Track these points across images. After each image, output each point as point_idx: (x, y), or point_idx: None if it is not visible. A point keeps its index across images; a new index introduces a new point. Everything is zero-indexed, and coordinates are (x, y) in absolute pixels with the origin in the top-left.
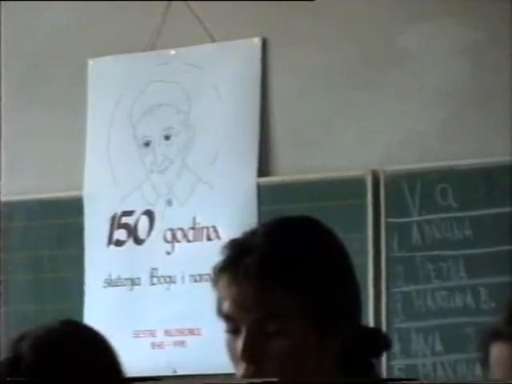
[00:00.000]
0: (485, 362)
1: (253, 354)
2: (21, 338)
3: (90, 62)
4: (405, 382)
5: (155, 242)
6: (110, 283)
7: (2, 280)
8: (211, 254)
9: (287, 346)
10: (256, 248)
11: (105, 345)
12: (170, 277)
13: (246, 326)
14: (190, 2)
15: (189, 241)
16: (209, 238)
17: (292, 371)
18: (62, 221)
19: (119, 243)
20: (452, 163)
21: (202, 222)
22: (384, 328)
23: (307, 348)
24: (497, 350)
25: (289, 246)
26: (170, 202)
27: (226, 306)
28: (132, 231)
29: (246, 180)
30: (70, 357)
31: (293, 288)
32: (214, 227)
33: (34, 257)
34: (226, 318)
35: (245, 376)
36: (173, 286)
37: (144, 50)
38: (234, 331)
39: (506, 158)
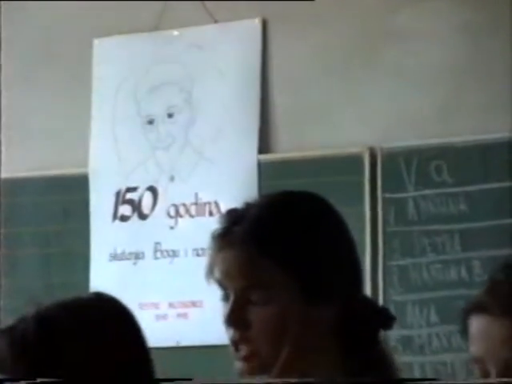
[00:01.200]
0: (464, 334)
1: (237, 322)
2: (55, 307)
3: (96, 42)
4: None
5: (159, 217)
6: (115, 257)
7: (10, 254)
8: (205, 230)
9: (270, 315)
10: (246, 218)
11: (132, 319)
12: (173, 251)
13: (232, 294)
14: None
15: (191, 216)
16: (211, 213)
17: (275, 340)
18: (68, 197)
19: (124, 218)
20: (447, 140)
21: (204, 197)
22: (381, 300)
23: (290, 318)
24: (476, 323)
25: (279, 217)
26: (173, 179)
27: (216, 272)
28: (136, 207)
29: (246, 157)
30: (101, 326)
31: (278, 258)
32: (215, 202)
33: (41, 232)
34: (217, 283)
35: (231, 341)
36: (176, 259)
37: (148, 31)
38: (225, 298)
39: (500, 135)
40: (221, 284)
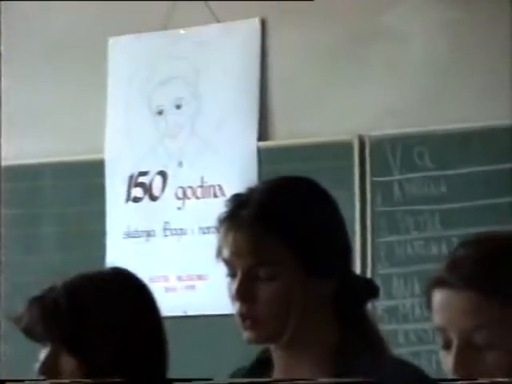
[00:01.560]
0: (428, 306)
1: (245, 296)
2: (80, 279)
3: (110, 40)
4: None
5: (168, 199)
6: (129, 235)
7: (35, 232)
8: (217, 209)
9: (276, 290)
10: (251, 202)
11: (146, 289)
12: (181, 229)
13: (240, 271)
14: None
15: (197, 198)
16: (215, 195)
17: (280, 313)
18: (86, 181)
19: (136, 200)
20: (428, 129)
21: (209, 180)
22: (369, 274)
23: (295, 292)
24: (438, 296)
25: (281, 200)
26: (180, 164)
27: (225, 252)
28: (147, 189)
29: (247, 144)
30: (119, 296)
31: (282, 237)
32: (219, 185)
33: (61, 212)
34: (225, 262)
35: (239, 314)
36: (183, 237)
37: (157, 30)
38: (232, 275)
39: (477, 124)
40: (229, 262)
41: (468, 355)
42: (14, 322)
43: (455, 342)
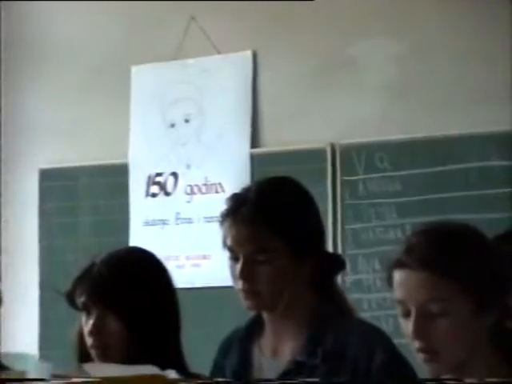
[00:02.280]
0: (389, 283)
1: (246, 276)
2: (104, 257)
3: (133, 68)
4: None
5: (179, 194)
6: (148, 223)
7: (72, 221)
8: (218, 203)
9: (271, 272)
10: (249, 201)
11: (163, 264)
12: (189, 218)
13: (242, 257)
14: (202, 24)
15: (202, 193)
16: (216, 191)
17: (275, 288)
18: (114, 180)
19: (153, 195)
20: (386, 138)
21: (212, 180)
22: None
23: (287, 273)
24: (397, 275)
25: (272, 199)
26: (188, 166)
27: (229, 241)
28: (162, 187)
29: (242, 150)
30: (137, 269)
31: (275, 229)
32: (220, 183)
33: (94, 205)
34: (229, 249)
35: (242, 290)
36: (191, 225)
37: (170, 60)
38: (235, 259)
39: (423, 134)
40: (232, 250)
41: (424, 322)
42: (63, 295)
43: (413, 312)
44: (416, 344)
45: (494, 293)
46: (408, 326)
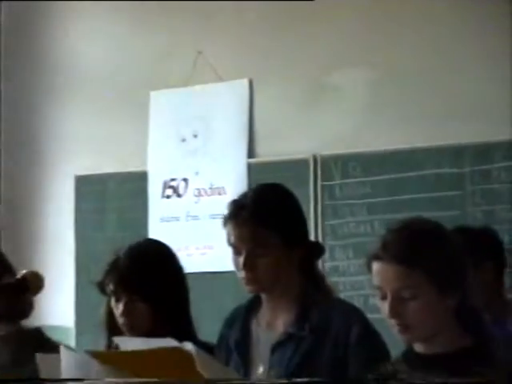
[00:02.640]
0: (370, 271)
1: (249, 267)
2: (127, 250)
3: (152, 93)
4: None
5: (189, 196)
6: (163, 220)
7: (103, 219)
8: (221, 203)
9: (269, 263)
10: (247, 205)
11: (172, 252)
12: (197, 216)
13: (245, 251)
14: (207, 57)
15: (208, 195)
16: (219, 194)
17: (272, 277)
18: (135, 184)
19: (168, 197)
20: (358, 150)
21: (216, 184)
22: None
23: (281, 262)
24: (375, 266)
25: (266, 203)
26: (197, 173)
27: (232, 239)
28: (175, 190)
29: (240, 160)
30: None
31: (271, 229)
32: (222, 188)
33: (119, 205)
34: (233, 246)
35: (245, 278)
36: (199, 221)
37: (182, 86)
38: (237, 253)
39: (387, 147)
40: (236, 246)
41: (397, 304)
42: (95, 284)
43: (389, 296)
44: (392, 321)
45: (454, 279)
46: (385, 306)
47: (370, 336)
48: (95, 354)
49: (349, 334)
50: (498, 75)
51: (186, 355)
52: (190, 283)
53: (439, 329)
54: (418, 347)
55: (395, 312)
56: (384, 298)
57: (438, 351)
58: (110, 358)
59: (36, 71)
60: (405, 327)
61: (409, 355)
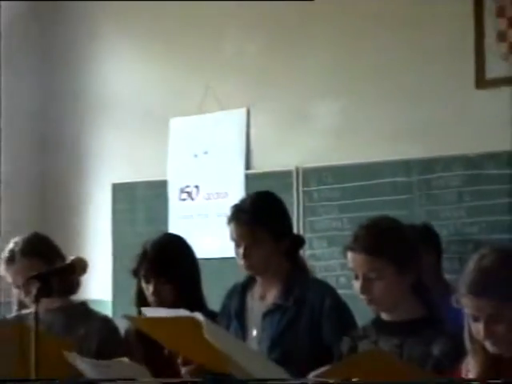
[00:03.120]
0: (345, 257)
1: (247, 257)
2: (152, 243)
3: (171, 120)
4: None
5: (200, 199)
6: (180, 218)
7: (133, 217)
8: (225, 205)
9: (261, 253)
10: (245, 209)
11: (186, 242)
12: (206, 215)
13: (243, 245)
14: (214, 90)
15: (215, 199)
16: (223, 198)
17: (264, 264)
18: (158, 190)
19: (184, 200)
20: (331, 164)
21: (221, 190)
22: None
23: (271, 252)
24: (349, 255)
25: (259, 206)
26: (206, 181)
27: (234, 235)
28: (189, 194)
29: (239, 171)
30: (177, 249)
31: (263, 226)
32: (226, 193)
33: (146, 206)
34: (235, 241)
35: (244, 264)
36: (207, 218)
37: (195, 113)
38: (238, 246)
39: (353, 161)
40: (236, 241)
41: (367, 283)
42: (130, 271)
43: (360, 278)
44: (362, 296)
45: (410, 263)
46: (357, 285)
47: (340, 305)
48: (130, 318)
49: (323, 304)
50: (441, 103)
51: (196, 323)
52: (202, 266)
53: (399, 301)
54: (384, 316)
55: (365, 289)
56: (356, 278)
57: (398, 319)
58: (140, 322)
59: (83, 101)
60: (373, 301)
61: (376, 322)
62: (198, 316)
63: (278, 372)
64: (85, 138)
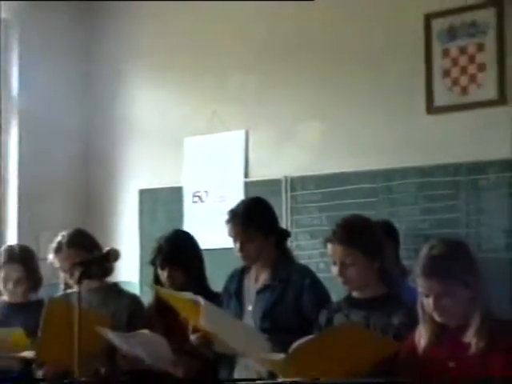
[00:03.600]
0: (325, 248)
1: (243, 250)
2: (165, 238)
3: (185, 139)
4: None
5: (208, 202)
6: (193, 216)
7: (153, 216)
8: (226, 207)
9: (254, 247)
10: (240, 212)
11: (192, 236)
12: (214, 213)
13: (239, 241)
14: (219, 114)
15: (220, 202)
16: (227, 200)
17: (256, 255)
18: (175, 195)
19: (195, 202)
20: (312, 173)
21: (224, 195)
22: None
23: (263, 245)
24: (329, 246)
25: (250, 210)
26: (213, 188)
27: (231, 234)
28: (200, 198)
29: (238, 180)
30: (187, 243)
31: (256, 226)
32: (228, 196)
33: (166, 209)
34: (233, 237)
35: (241, 256)
36: (214, 217)
37: (203, 134)
38: (235, 242)
39: (329, 171)
40: (234, 238)
41: (342, 268)
42: (149, 262)
43: (337, 264)
44: (339, 278)
45: (377, 252)
46: (335, 269)
47: (317, 284)
48: (155, 288)
49: (304, 283)
50: (400, 125)
51: (196, 305)
52: (210, 255)
53: (368, 282)
54: (354, 294)
55: (341, 273)
56: (334, 264)
57: (366, 296)
58: (160, 292)
59: (116, 122)
60: (347, 282)
61: (348, 299)
62: (199, 299)
63: (261, 343)
64: (117, 152)
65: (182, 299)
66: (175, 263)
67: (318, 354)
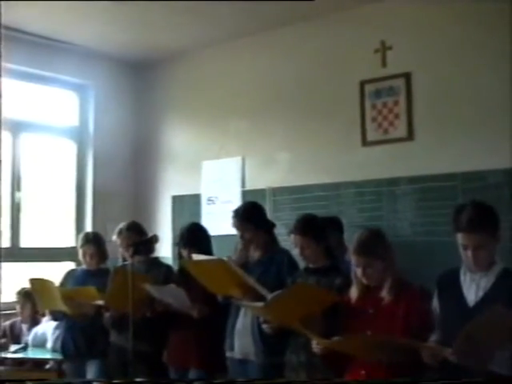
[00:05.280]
0: (290, 237)
1: (241, 238)
2: (185, 227)
3: (203, 162)
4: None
5: (219, 205)
6: (208, 213)
7: (182, 217)
8: (231, 208)
9: (249, 236)
10: (240, 214)
11: (205, 228)
12: (222, 212)
13: (241, 238)
14: (225, 147)
15: (226, 204)
16: (230, 203)
17: (251, 241)
18: (196, 199)
19: (209, 204)
20: (288, 185)
21: (229, 200)
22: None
23: (259, 239)
24: (292, 236)
25: (247, 212)
26: (222, 195)
27: (234, 226)
28: (213, 201)
29: (238, 190)
30: (200, 234)
31: (253, 225)
32: (231, 200)
33: (192, 211)
34: (235, 228)
35: (242, 246)
36: (223, 215)
37: (215, 159)
38: (237, 231)
39: (298, 184)
40: (237, 229)
41: (301, 250)
42: (176, 244)
43: (298, 248)
44: (301, 256)
45: (323, 237)
46: (296, 250)
47: (291, 260)
48: (185, 262)
49: (283, 259)
50: (345, 154)
51: (222, 262)
52: (220, 240)
53: (318, 257)
54: (310, 265)
55: (301, 253)
56: (296, 247)
57: (317, 266)
58: (183, 263)
59: (155, 147)
60: (305, 258)
61: (306, 269)
62: (224, 258)
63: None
64: (158, 170)
65: (206, 262)
66: (193, 245)
67: (286, 303)
